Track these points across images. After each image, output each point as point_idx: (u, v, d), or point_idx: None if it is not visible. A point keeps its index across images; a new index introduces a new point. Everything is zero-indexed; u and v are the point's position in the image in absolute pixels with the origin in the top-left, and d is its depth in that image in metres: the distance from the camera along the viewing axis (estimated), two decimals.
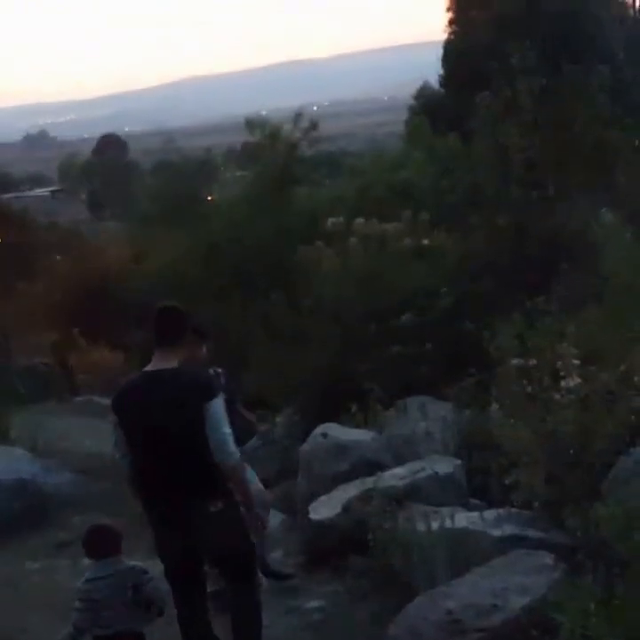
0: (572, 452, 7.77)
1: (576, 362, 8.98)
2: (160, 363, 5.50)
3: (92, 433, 12.89)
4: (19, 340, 20.19)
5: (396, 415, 11.06)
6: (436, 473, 8.72)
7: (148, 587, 5.50)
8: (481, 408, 10.10)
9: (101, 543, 5.58)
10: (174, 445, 5.37)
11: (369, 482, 8.52)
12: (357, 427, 10.55)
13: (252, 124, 24.08)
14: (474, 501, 8.67)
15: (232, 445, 5.41)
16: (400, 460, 9.52)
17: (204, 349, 7.00)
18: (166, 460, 5.41)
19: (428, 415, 10.72)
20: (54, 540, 9.59)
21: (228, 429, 5.42)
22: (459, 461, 9.14)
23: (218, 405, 5.41)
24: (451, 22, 30.53)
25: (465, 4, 30.03)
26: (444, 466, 8.96)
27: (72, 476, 11.57)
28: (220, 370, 7.20)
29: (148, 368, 5.55)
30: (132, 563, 5.64)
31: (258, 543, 6.24)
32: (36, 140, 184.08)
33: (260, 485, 7.59)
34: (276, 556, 8.40)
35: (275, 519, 8.86)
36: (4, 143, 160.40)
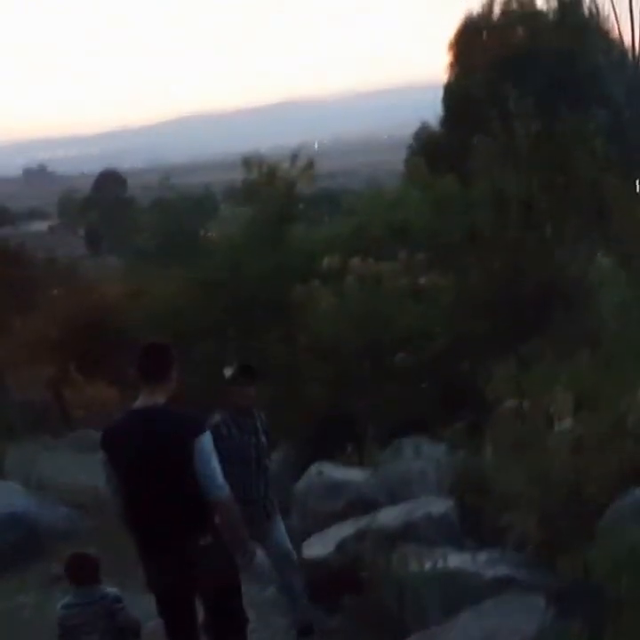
0: (565, 494, 7.80)
1: (569, 405, 9.05)
2: (147, 400, 5.58)
3: (86, 468, 12.84)
4: (14, 373, 20.15)
5: (390, 454, 11.09)
6: (430, 513, 8.75)
7: (121, 614, 5.76)
8: (475, 449, 10.13)
9: (80, 570, 5.84)
10: (163, 481, 5.44)
11: (363, 521, 8.56)
12: (352, 465, 10.58)
13: (249, 161, 24.22)
14: (467, 542, 8.68)
15: (220, 480, 5.48)
16: (394, 500, 9.56)
17: (254, 390, 7.12)
18: (155, 496, 5.47)
19: (423, 455, 10.77)
20: (47, 574, 9.56)
21: (216, 464, 5.49)
22: (452, 502, 9.16)
23: (206, 441, 5.48)
24: (451, 64, 30.93)
25: (465, 46, 30.44)
26: (438, 506, 8.99)
27: (66, 510, 11.56)
28: (261, 413, 7.31)
29: (136, 405, 5.64)
30: (109, 590, 5.88)
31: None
32: (35, 175, 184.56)
33: None
34: (267, 594, 8.39)
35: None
36: (3, 178, 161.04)
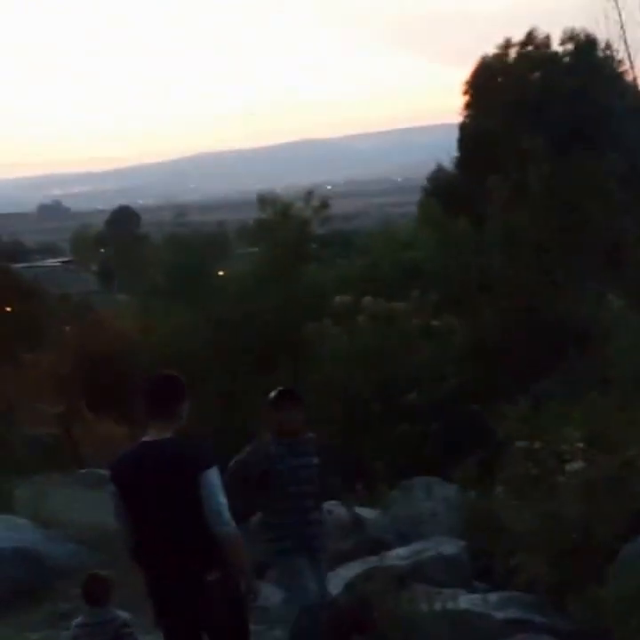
0: (575, 536, 7.75)
1: (580, 445, 9.00)
2: (156, 433, 5.57)
3: (94, 504, 12.79)
4: (25, 409, 20.19)
5: (400, 494, 11.04)
6: (441, 553, 8.69)
7: (128, 639, 6.03)
8: (486, 489, 10.09)
9: (93, 591, 6.10)
10: (170, 515, 5.43)
11: (372, 560, 8.49)
12: (362, 505, 10.53)
13: (264, 200, 24.40)
14: (477, 583, 8.61)
15: (227, 515, 5.46)
16: (404, 540, 9.50)
17: (300, 413, 7.06)
18: (162, 530, 5.46)
19: (433, 495, 10.71)
20: (55, 611, 9.50)
21: (223, 499, 5.47)
22: (463, 543, 9.10)
23: (213, 475, 5.47)
24: (467, 106, 31.14)
25: (481, 88, 30.67)
26: (449, 547, 8.93)
27: (74, 546, 11.48)
28: (312, 435, 7.21)
29: (145, 438, 5.63)
30: (119, 613, 6.14)
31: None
32: (50, 211, 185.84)
33: None
34: (276, 634, 8.32)
35: (276, 596, 8.79)
36: (19, 213, 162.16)
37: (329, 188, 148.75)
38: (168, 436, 5.55)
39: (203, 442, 5.83)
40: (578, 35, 29.89)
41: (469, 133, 29.92)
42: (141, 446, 5.62)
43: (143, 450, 5.60)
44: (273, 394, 7.16)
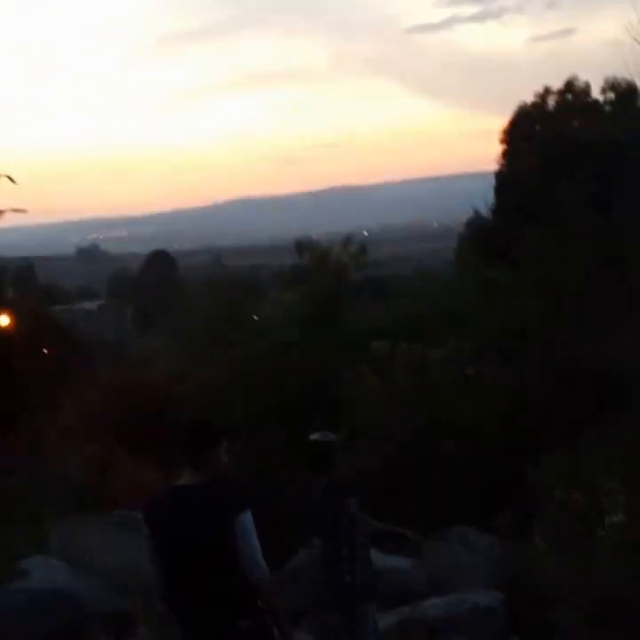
0: (615, 592, 7.61)
1: (621, 497, 8.89)
2: (189, 477, 5.58)
3: (128, 547, 12.81)
4: (59, 450, 20.26)
5: (436, 543, 10.92)
6: (477, 605, 8.57)
7: None
8: (524, 541, 9.96)
9: (119, 626, 5.95)
10: (203, 559, 5.41)
11: (407, 611, 8.39)
12: (397, 553, 10.43)
13: (302, 246, 24.59)
14: (514, 637, 8.48)
15: (262, 560, 5.43)
16: (440, 590, 9.39)
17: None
18: (195, 574, 5.44)
19: (470, 545, 10.58)
20: None
21: (256, 543, 5.45)
22: (500, 594, 8.97)
23: (247, 519, 5.44)
24: (503, 153, 31.26)
25: (518, 136, 30.75)
26: (485, 598, 8.82)
27: (107, 589, 11.48)
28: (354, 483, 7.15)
29: (178, 482, 5.64)
30: None
31: None
32: (88, 254, 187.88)
33: None
34: None
35: None
36: (57, 256, 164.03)
37: (365, 233, 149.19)
38: (201, 480, 5.56)
39: (236, 485, 5.82)
40: (619, 83, 29.76)
41: (506, 181, 29.99)
42: (174, 490, 5.64)
43: (176, 493, 5.60)
44: (316, 434, 7.13)
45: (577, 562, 8.22)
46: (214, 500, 5.50)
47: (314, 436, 7.07)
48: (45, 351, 30.36)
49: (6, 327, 28.64)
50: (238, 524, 5.40)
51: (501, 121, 32.32)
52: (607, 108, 30.30)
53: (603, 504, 8.93)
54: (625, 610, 7.50)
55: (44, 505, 15.59)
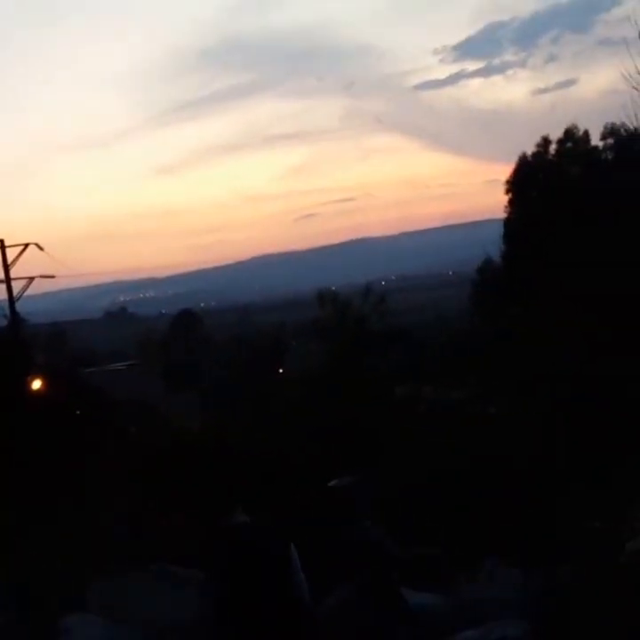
0: None
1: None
2: (239, 516, 5.88)
3: (167, 601, 12.95)
4: (97, 505, 20.55)
5: (465, 578, 11.11)
6: (505, 636, 8.72)
7: None
8: (552, 571, 10.14)
9: None
10: (257, 592, 5.66)
11: None
12: (427, 589, 10.63)
13: (323, 297, 24.98)
14: None
15: (306, 590, 5.72)
16: (469, 624, 9.54)
17: None
18: (250, 607, 5.70)
19: (498, 578, 10.75)
20: None
21: (302, 575, 5.74)
22: (527, 625, 9.12)
23: (294, 553, 5.75)
24: (510, 202, 31.78)
25: (523, 185, 31.28)
26: (514, 629, 8.95)
27: None
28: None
29: (229, 522, 5.92)
30: None
31: None
32: (116, 317, 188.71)
33: None
34: None
35: None
36: (87, 319, 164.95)
37: (383, 283, 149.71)
38: (247, 519, 5.84)
39: (280, 523, 6.11)
40: (619, 129, 30.17)
41: (514, 228, 30.50)
42: (224, 530, 5.92)
43: (227, 533, 5.89)
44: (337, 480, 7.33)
45: (599, 589, 8.40)
46: (263, 537, 5.78)
47: (333, 483, 7.30)
48: (78, 412, 30.79)
49: (40, 390, 29.14)
50: (287, 556, 5.71)
51: (510, 169, 32.92)
52: (607, 154, 30.67)
53: (623, 531, 9.12)
54: None
55: (80, 559, 15.83)
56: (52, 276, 41.88)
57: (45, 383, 29.72)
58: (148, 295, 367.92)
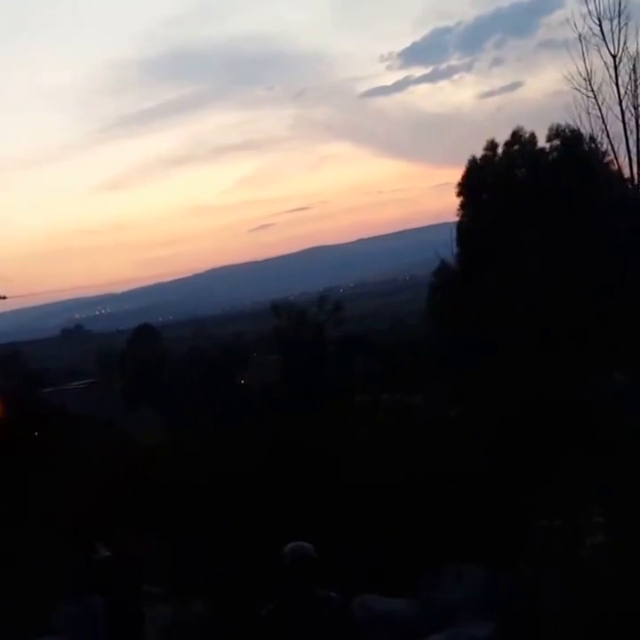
0: (605, 608, 7.83)
1: (601, 521, 9.17)
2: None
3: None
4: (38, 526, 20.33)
5: (431, 581, 11.14)
6: (474, 637, 8.78)
7: None
8: (515, 571, 10.21)
9: None
10: None
11: None
12: (395, 594, 10.65)
13: (278, 308, 24.99)
14: None
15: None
16: (436, 626, 9.59)
17: None
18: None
19: (463, 580, 10.80)
20: None
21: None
22: (495, 625, 9.20)
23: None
24: (461, 205, 32.15)
25: (472, 188, 31.69)
26: (481, 630, 9.03)
27: None
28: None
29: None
30: None
31: None
32: (73, 334, 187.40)
33: None
34: None
35: None
36: (42, 339, 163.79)
37: (341, 291, 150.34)
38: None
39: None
40: (564, 130, 30.65)
41: (466, 231, 30.88)
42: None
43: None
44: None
45: (563, 584, 8.49)
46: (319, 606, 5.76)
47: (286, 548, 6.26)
48: (35, 434, 30.52)
49: None
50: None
51: (460, 172, 33.36)
52: (553, 155, 31.17)
53: (582, 527, 9.22)
54: (614, 628, 7.75)
55: (48, 584, 15.68)
56: (4, 297, 41.58)
57: (1, 405, 29.43)
58: (104, 311, 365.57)
